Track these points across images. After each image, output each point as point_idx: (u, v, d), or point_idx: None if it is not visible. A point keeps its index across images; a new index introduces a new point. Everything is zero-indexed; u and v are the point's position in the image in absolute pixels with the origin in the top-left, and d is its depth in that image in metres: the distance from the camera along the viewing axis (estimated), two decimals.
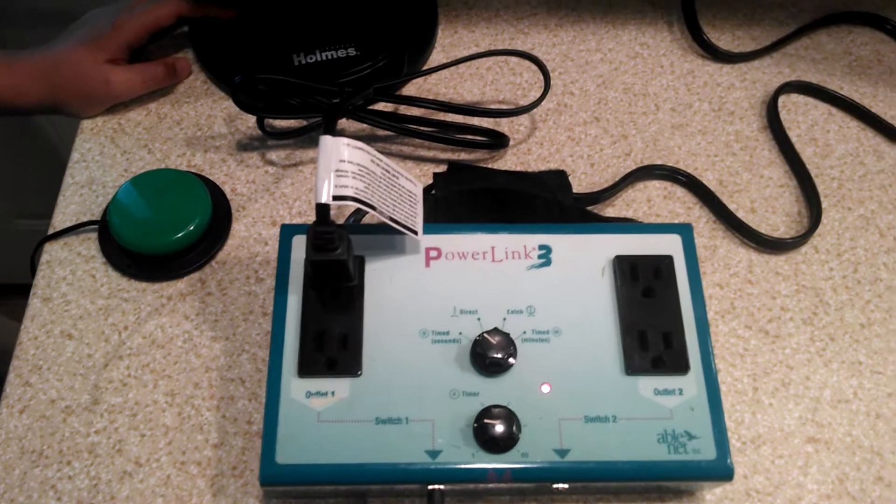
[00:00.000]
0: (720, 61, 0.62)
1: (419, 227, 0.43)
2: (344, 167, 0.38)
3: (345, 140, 0.39)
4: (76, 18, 0.59)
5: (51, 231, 0.52)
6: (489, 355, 0.40)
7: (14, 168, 1.09)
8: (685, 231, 0.45)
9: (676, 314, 0.42)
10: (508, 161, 0.56)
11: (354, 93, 0.50)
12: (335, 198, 0.37)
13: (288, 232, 0.44)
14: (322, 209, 0.38)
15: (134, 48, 0.57)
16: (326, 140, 0.38)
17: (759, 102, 0.59)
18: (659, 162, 0.56)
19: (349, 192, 0.38)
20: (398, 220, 0.41)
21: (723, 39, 0.63)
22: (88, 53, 0.54)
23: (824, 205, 0.54)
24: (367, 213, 0.42)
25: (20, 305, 0.50)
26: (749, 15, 0.64)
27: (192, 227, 0.50)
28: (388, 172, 0.41)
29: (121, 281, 0.50)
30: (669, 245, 0.44)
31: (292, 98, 0.52)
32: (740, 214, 0.53)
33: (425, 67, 0.60)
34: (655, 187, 0.55)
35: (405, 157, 0.56)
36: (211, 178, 0.54)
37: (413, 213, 0.43)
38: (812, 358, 0.49)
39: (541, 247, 0.44)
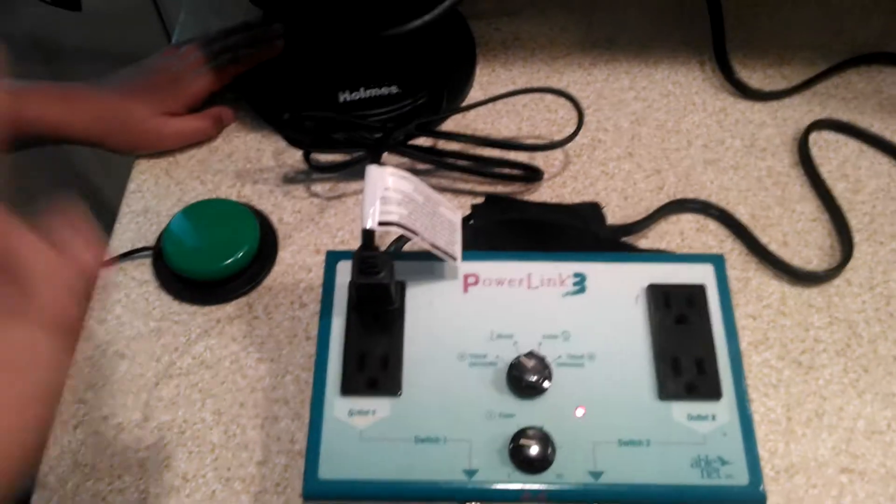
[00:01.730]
0: (751, 99, 0.63)
1: (458, 253, 0.44)
2: (388, 195, 0.40)
3: (390, 169, 0.41)
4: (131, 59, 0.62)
5: (108, 256, 0.55)
6: (525, 378, 0.41)
7: (52, 194, 1.13)
8: (717, 261, 0.46)
9: (709, 341, 0.43)
10: (543, 194, 0.58)
11: (397, 128, 0.53)
12: (380, 223, 0.39)
13: (333, 258, 0.46)
14: (367, 234, 0.40)
15: (191, 107, 0.60)
16: (372, 169, 0.40)
17: (790, 139, 0.61)
18: (692, 196, 0.57)
19: (394, 218, 0.40)
20: (439, 246, 0.43)
21: (754, 78, 0.64)
22: (145, 105, 0.57)
23: (856, 239, 0.55)
24: (409, 240, 0.44)
25: None
26: (779, 55, 0.66)
27: (240, 255, 0.52)
28: (430, 201, 0.43)
29: (172, 304, 0.53)
30: (702, 275, 0.46)
31: (337, 133, 0.55)
32: (772, 248, 0.54)
33: (464, 104, 0.63)
34: (688, 220, 0.56)
35: (444, 189, 0.58)
36: (259, 208, 0.57)
37: (453, 241, 0.44)
38: (846, 389, 0.49)
39: (576, 274, 0.46)
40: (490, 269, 0.46)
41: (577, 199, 0.57)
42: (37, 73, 0.95)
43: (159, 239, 0.54)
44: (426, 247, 0.42)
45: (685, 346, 0.43)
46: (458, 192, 0.58)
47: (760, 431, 0.47)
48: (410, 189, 0.42)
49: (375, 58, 0.63)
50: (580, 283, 0.45)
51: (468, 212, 0.54)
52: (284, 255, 0.55)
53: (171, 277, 0.53)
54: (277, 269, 0.54)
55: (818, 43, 0.67)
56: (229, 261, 0.52)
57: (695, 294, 0.45)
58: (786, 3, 0.70)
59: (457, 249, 0.44)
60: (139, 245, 0.55)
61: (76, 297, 0.33)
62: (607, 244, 0.50)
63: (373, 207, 0.39)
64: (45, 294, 0.32)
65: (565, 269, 0.46)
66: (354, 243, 0.55)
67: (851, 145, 0.61)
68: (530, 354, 0.42)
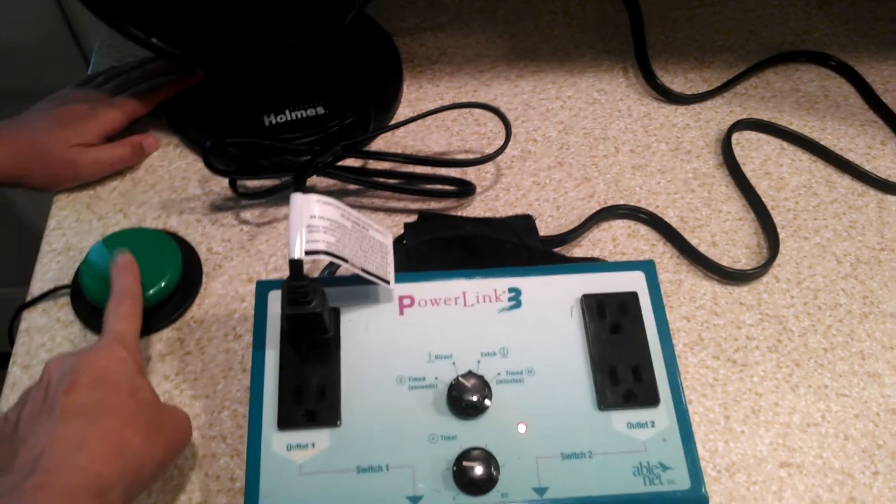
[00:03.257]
0: (675, 103, 0.64)
1: (391, 276, 0.44)
2: (315, 223, 0.39)
3: (315, 196, 0.40)
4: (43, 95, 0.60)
5: (28, 298, 0.53)
6: (465, 398, 0.41)
7: None
8: (648, 268, 0.46)
9: (644, 348, 0.44)
10: (477, 208, 0.58)
11: (322, 151, 0.52)
12: (307, 252, 0.39)
13: (263, 288, 0.45)
14: (295, 264, 0.39)
15: (109, 136, 0.58)
16: (297, 197, 0.39)
17: (713, 140, 0.62)
18: (622, 202, 0.58)
19: (321, 247, 0.39)
20: (370, 270, 0.42)
21: (676, 82, 0.66)
22: (59, 137, 0.55)
23: (782, 235, 0.56)
24: (339, 265, 0.43)
25: None
26: (699, 58, 0.67)
27: (163, 284, 0.50)
28: (358, 225, 0.43)
29: None
30: (634, 282, 0.46)
31: (263, 158, 0.54)
32: (702, 249, 0.55)
33: (392, 122, 0.62)
34: (619, 226, 0.57)
35: (376, 209, 0.57)
36: (187, 238, 0.55)
37: (384, 263, 0.44)
38: (780, 384, 0.50)
39: (511, 290, 0.46)
40: (425, 289, 0.45)
41: (510, 211, 0.58)
42: None
43: (77, 273, 0.52)
44: (357, 272, 0.41)
45: (621, 355, 0.43)
46: (390, 210, 0.57)
47: (700, 432, 0.48)
48: (337, 215, 0.41)
49: (299, 78, 0.62)
50: (515, 298, 0.45)
51: (401, 231, 0.53)
52: (215, 286, 0.53)
53: (93, 313, 0.51)
54: (209, 301, 0.53)
55: (736, 45, 0.69)
56: (152, 291, 0.50)
57: (627, 301, 0.45)
58: (703, 8, 0.72)
59: (389, 272, 0.44)
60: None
61: None
62: (541, 257, 0.51)
63: (299, 237, 0.38)
64: None
65: (500, 285, 0.46)
66: (287, 270, 0.54)
67: (773, 143, 0.62)
68: (469, 374, 0.42)
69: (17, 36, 0.85)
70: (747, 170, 0.60)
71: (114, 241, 0.52)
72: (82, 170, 0.57)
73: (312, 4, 0.54)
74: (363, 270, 0.41)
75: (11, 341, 0.52)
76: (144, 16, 0.56)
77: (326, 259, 0.39)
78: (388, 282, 0.43)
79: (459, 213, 0.57)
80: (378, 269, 0.43)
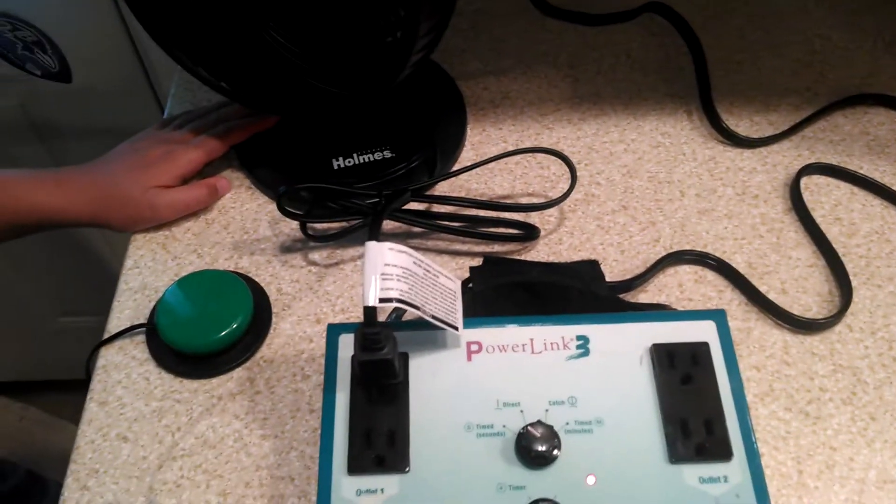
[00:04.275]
0: (740, 147, 0.64)
1: (460, 322, 0.44)
2: (388, 270, 0.40)
3: (388, 245, 0.41)
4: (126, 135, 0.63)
5: (106, 336, 0.55)
6: (534, 448, 0.41)
7: (56, 266, 1.13)
8: (719, 317, 0.46)
9: (716, 400, 0.43)
10: (540, 251, 0.58)
11: (393, 198, 0.53)
12: (381, 300, 0.39)
13: (334, 332, 0.46)
14: (369, 311, 0.40)
15: (185, 178, 0.60)
16: (371, 245, 0.40)
17: (781, 185, 0.61)
18: (688, 247, 0.57)
19: (394, 294, 0.40)
20: (440, 317, 0.43)
21: (741, 125, 0.65)
22: (137, 180, 0.58)
23: (854, 283, 0.55)
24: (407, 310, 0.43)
25: (62, 401, 0.52)
26: (765, 101, 0.67)
27: (234, 325, 0.52)
28: (429, 272, 0.43)
29: (173, 382, 0.52)
30: (704, 331, 0.45)
31: (333, 202, 0.55)
32: (772, 296, 0.54)
33: (456, 165, 0.63)
34: (686, 272, 0.56)
35: (441, 251, 0.58)
36: (257, 279, 0.57)
37: (453, 310, 0.44)
38: (854, 438, 0.49)
39: (578, 337, 0.45)
40: (492, 335, 0.46)
41: (574, 255, 0.58)
42: (32, 152, 0.96)
43: (152, 314, 0.54)
44: (427, 319, 0.42)
45: (693, 407, 0.43)
46: (454, 253, 0.58)
47: (772, 486, 0.47)
48: (409, 262, 0.42)
49: (368, 122, 0.63)
50: (583, 346, 0.45)
51: (467, 273, 0.54)
52: (284, 326, 0.54)
53: (167, 352, 0.53)
54: (278, 342, 0.54)
55: (802, 87, 0.68)
56: (223, 332, 0.51)
57: (699, 352, 0.44)
58: (768, 50, 0.71)
59: (458, 318, 0.44)
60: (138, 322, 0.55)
61: None
62: (608, 303, 0.50)
63: (373, 284, 0.39)
64: None
65: (568, 333, 0.46)
66: (354, 311, 0.55)
67: (843, 188, 0.61)
68: (538, 423, 0.42)
69: (94, 79, 0.89)
70: (817, 215, 0.59)
71: (188, 283, 0.54)
72: (159, 211, 0.59)
73: (369, 62, 0.56)
74: (433, 317, 0.42)
75: (87, 374, 0.54)
76: (215, 59, 0.58)
77: (398, 306, 0.40)
78: (456, 328, 0.44)
79: (523, 257, 0.57)
80: (447, 316, 0.43)
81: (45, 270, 1.13)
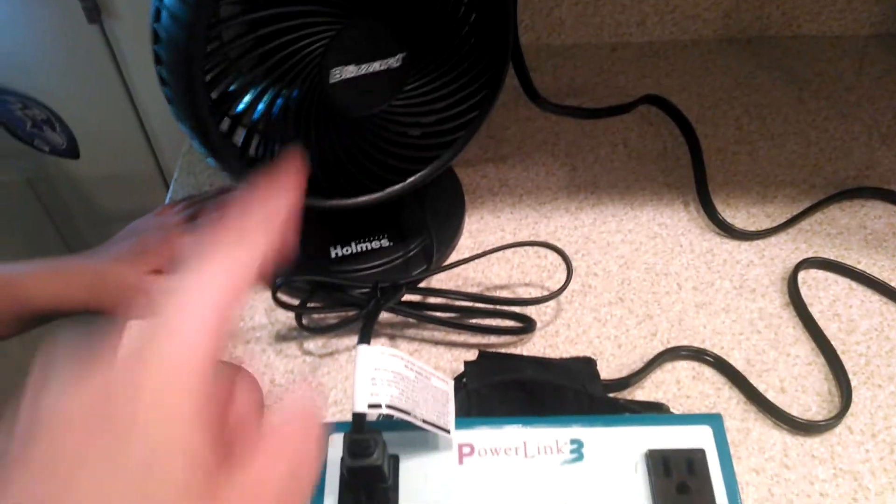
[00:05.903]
0: (737, 239, 0.64)
1: (451, 425, 0.44)
2: (379, 375, 0.40)
3: (380, 349, 0.41)
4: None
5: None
6: None
7: None
8: (715, 423, 0.45)
9: None
10: (536, 343, 0.58)
11: (387, 294, 0.53)
12: (370, 406, 0.39)
13: (323, 431, 0.45)
14: (358, 418, 0.39)
15: None
16: (363, 349, 0.40)
17: (779, 279, 0.61)
18: (685, 342, 0.57)
19: (384, 400, 0.39)
20: (431, 421, 0.42)
21: (738, 217, 0.65)
22: (133, 267, 0.58)
23: (854, 382, 0.54)
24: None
25: None
26: (761, 193, 0.67)
27: None
28: (421, 375, 0.43)
29: None
30: (701, 437, 0.45)
31: (328, 293, 0.55)
32: (770, 395, 0.53)
33: (454, 253, 0.63)
34: (684, 368, 0.56)
35: (436, 342, 0.58)
36: (250, 369, 0.56)
37: (445, 412, 0.44)
38: None
39: (573, 441, 0.45)
40: (485, 437, 0.45)
41: (570, 348, 0.57)
42: (50, 241, 0.97)
43: None
44: (418, 423, 0.41)
45: None
46: (450, 344, 0.58)
47: None
48: (401, 366, 0.41)
49: (365, 212, 0.64)
50: (577, 451, 0.44)
51: (461, 367, 0.53)
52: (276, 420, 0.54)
53: None
54: None
55: (799, 179, 0.69)
56: None
57: (695, 459, 0.43)
58: (764, 141, 0.72)
59: (449, 421, 0.44)
60: None
61: None
62: (603, 405, 0.50)
63: (363, 390, 0.39)
64: None
65: (562, 436, 0.45)
66: (347, 402, 0.55)
67: (841, 283, 0.61)
68: None
69: (107, 167, 0.90)
70: (815, 311, 0.58)
71: None
72: (153, 297, 0.59)
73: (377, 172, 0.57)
74: (424, 422, 0.41)
75: None
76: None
77: (388, 412, 0.40)
78: (448, 431, 0.43)
79: (520, 349, 0.57)
80: (439, 419, 0.43)
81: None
